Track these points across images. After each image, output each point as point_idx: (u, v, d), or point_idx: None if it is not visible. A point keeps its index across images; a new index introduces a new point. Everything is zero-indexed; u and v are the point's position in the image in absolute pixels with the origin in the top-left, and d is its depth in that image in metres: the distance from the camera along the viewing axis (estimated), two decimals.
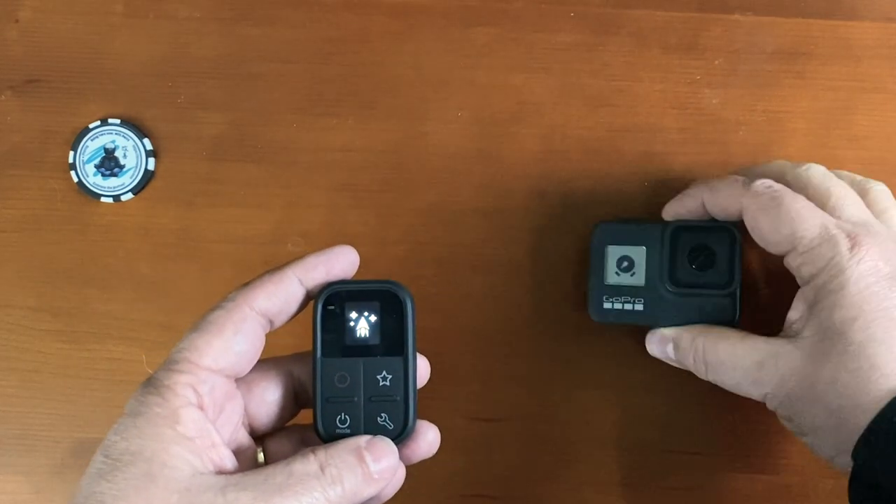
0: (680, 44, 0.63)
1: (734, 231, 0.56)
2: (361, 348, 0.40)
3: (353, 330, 0.40)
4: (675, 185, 0.62)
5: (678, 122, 0.62)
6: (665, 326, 0.57)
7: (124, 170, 0.63)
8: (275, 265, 0.41)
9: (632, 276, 0.57)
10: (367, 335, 0.40)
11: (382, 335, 0.40)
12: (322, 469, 0.36)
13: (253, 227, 0.63)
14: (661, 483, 0.61)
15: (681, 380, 0.61)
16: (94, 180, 0.63)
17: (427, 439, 0.41)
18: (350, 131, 0.63)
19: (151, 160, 0.63)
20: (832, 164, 0.62)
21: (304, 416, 0.45)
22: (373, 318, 0.40)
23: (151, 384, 0.37)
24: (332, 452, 0.37)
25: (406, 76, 0.63)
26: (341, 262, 0.41)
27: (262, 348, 0.40)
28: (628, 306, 0.57)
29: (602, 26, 0.63)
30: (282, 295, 0.40)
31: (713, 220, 0.56)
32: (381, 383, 0.40)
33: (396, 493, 0.62)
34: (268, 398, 0.42)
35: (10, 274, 0.63)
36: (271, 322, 0.40)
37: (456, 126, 0.63)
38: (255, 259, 0.62)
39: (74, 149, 0.63)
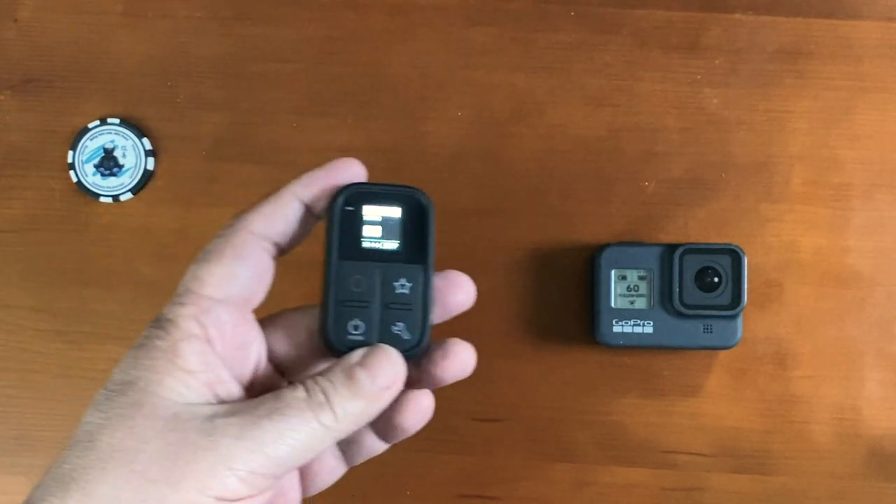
0: (681, 43, 0.62)
1: (740, 252, 0.57)
2: (379, 253, 0.37)
3: (372, 233, 0.37)
4: (675, 185, 0.62)
5: (679, 121, 0.62)
6: (673, 348, 0.59)
7: (123, 169, 0.63)
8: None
9: (638, 298, 0.58)
10: (387, 239, 0.37)
11: (402, 241, 0.37)
12: (309, 393, 0.34)
13: None
14: (661, 483, 0.61)
15: (679, 381, 0.62)
16: (93, 180, 0.63)
17: (460, 358, 0.37)
18: (350, 131, 0.63)
19: (151, 160, 0.63)
20: (833, 164, 0.62)
21: None
22: (393, 222, 0.37)
23: (157, 319, 0.35)
24: (320, 377, 0.35)
25: (406, 76, 0.63)
26: (344, 177, 0.38)
27: (271, 273, 0.37)
28: (637, 329, 0.58)
29: (602, 26, 0.62)
30: (280, 215, 0.37)
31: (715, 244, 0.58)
32: (398, 290, 0.37)
33: (397, 493, 0.62)
34: (295, 336, 0.39)
35: (10, 274, 0.63)
36: (277, 246, 0.38)
37: (456, 126, 0.62)
38: None
39: (73, 148, 0.63)
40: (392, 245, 0.37)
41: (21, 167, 0.63)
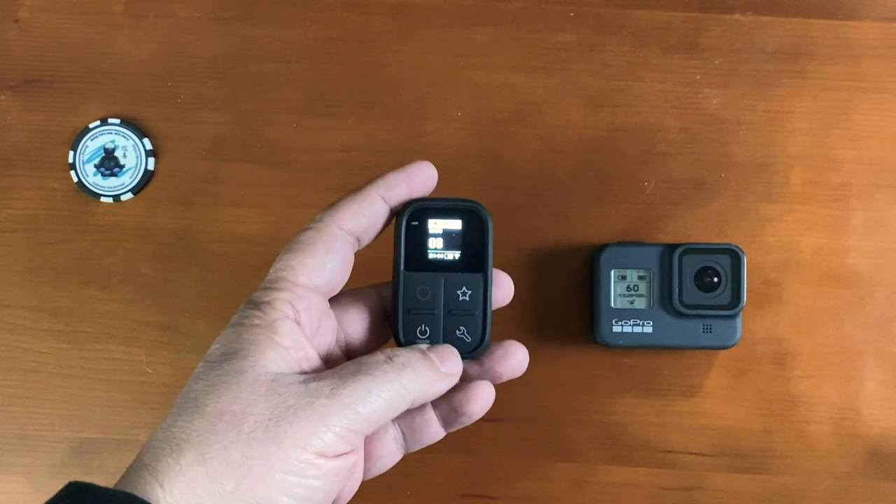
0: (680, 44, 0.62)
1: (739, 252, 0.57)
2: (443, 263, 0.41)
3: (435, 245, 0.41)
4: (675, 185, 0.62)
5: (678, 121, 0.62)
6: (672, 348, 0.59)
7: (124, 169, 0.63)
8: (358, 186, 0.42)
9: (638, 298, 0.58)
10: (449, 251, 0.42)
11: (463, 252, 0.41)
12: (390, 357, 0.38)
13: (253, 227, 0.63)
14: (660, 482, 0.61)
15: (679, 381, 0.62)
16: (93, 180, 0.63)
17: (516, 358, 0.42)
18: (350, 131, 0.63)
19: (151, 160, 0.63)
20: (832, 164, 0.62)
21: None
22: (455, 234, 0.41)
23: (252, 302, 0.39)
24: (396, 348, 0.39)
25: (406, 76, 0.63)
26: (421, 178, 0.42)
27: (351, 266, 0.41)
28: (637, 329, 0.58)
29: (602, 26, 0.63)
30: (366, 214, 0.41)
31: (716, 244, 0.58)
32: (460, 298, 0.41)
33: (397, 493, 0.62)
34: (361, 319, 0.43)
35: (10, 274, 0.63)
36: (359, 240, 0.42)
37: (456, 126, 0.63)
38: (255, 259, 0.62)
39: (74, 148, 0.63)
40: (454, 255, 0.42)
41: (22, 167, 0.63)
